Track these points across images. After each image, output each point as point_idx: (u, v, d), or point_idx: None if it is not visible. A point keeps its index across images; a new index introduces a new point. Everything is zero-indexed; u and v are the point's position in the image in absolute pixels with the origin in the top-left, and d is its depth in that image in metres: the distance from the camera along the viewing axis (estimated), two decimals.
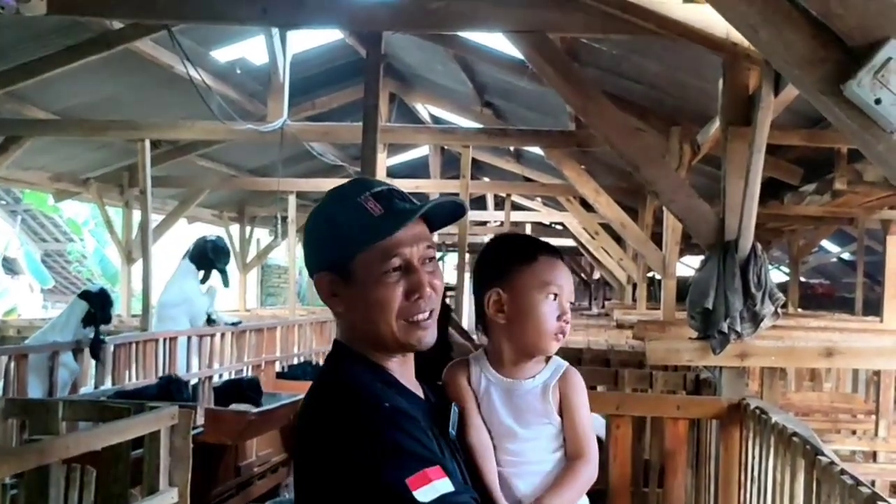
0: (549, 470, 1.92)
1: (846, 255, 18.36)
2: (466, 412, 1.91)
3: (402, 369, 1.82)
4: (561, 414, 1.95)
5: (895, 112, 1.65)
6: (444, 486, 1.60)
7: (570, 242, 18.34)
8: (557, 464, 1.93)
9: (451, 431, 1.82)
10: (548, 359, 2.00)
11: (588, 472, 1.94)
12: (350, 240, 1.74)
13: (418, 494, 1.55)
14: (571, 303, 2.01)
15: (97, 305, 8.53)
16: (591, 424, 2.00)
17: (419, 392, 1.86)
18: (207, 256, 10.44)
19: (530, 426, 1.93)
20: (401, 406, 1.70)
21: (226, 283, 10.90)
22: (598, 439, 2.01)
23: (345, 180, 1.95)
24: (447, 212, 1.85)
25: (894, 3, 1.66)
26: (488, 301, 2.00)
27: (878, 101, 1.65)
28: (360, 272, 1.74)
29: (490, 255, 2.05)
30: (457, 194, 10.22)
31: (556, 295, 1.95)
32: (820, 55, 1.70)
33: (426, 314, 1.77)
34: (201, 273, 10.49)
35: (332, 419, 1.66)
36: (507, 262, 1.98)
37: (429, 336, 1.78)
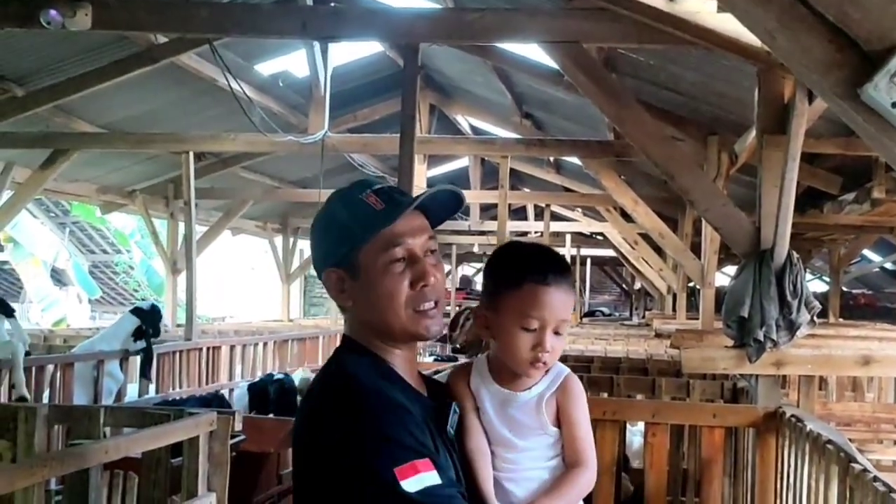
0: (545, 478, 1.91)
1: (889, 265, 18.10)
2: (465, 416, 1.90)
3: (406, 365, 1.85)
4: (559, 423, 1.93)
5: None
6: (431, 478, 1.63)
7: (610, 252, 18.27)
8: (553, 471, 1.92)
9: (450, 430, 1.82)
10: None
11: (585, 479, 1.93)
12: (353, 234, 1.78)
13: (405, 484, 1.59)
14: (556, 333, 1.90)
15: (148, 321, 8.64)
16: (590, 432, 1.97)
17: (421, 388, 1.88)
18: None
19: (526, 437, 1.91)
20: (396, 397, 1.73)
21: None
22: None
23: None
24: (445, 204, 1.89)
25: None
26: (475, 314, 2.02)
27: (894, 105, 1.66)
28: (365, 265, 1.78)
29: (489, 267, 2.02)
30: (495, 205, 10.27)
31: (534, 328, 1.88)
32: (837, 59, 1.71)
33: (432, 303, 1.80)
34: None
35: (328, 407, 1.71)
36: (496, 281, 1.94)
37: (436, 325, 1.81)
